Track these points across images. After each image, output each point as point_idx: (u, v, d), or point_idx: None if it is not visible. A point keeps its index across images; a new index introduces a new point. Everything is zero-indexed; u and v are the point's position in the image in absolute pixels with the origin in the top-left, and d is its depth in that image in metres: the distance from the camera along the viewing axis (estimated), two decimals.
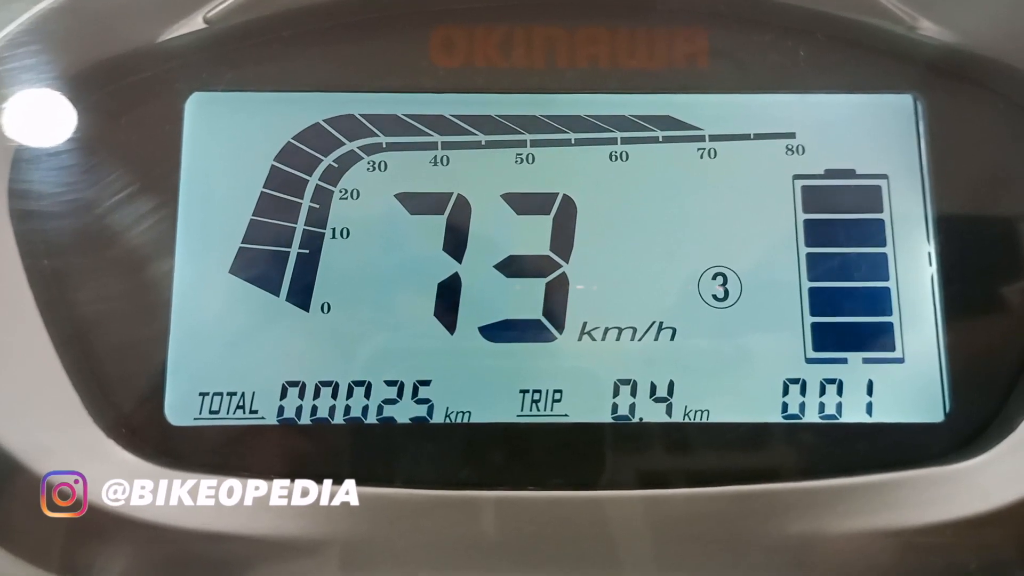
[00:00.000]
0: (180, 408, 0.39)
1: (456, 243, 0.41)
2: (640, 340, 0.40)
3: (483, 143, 0.42)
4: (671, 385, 0.40)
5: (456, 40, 0.42)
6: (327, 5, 0.40)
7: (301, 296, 0.40)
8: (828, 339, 0.40)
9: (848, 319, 0.40)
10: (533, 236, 0.41)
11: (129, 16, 0.39)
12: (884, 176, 0.42)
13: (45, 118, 0.40)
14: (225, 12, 0.39)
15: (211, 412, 0.39)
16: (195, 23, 0.39)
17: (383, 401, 0.40)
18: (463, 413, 0.40)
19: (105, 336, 0.39)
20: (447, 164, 0.41)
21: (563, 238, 0.41)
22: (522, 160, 0.41)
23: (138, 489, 0.37)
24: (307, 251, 0.40)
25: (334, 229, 0.41)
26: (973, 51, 0.41)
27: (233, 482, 0.37)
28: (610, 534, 0.37)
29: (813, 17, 0.41)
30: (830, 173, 0.42)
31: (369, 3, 0.41)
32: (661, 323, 0.40)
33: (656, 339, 0.40)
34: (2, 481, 0.36)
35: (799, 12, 0.41)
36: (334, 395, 0.39)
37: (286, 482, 0.37)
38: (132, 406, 0.39)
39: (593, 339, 0.40)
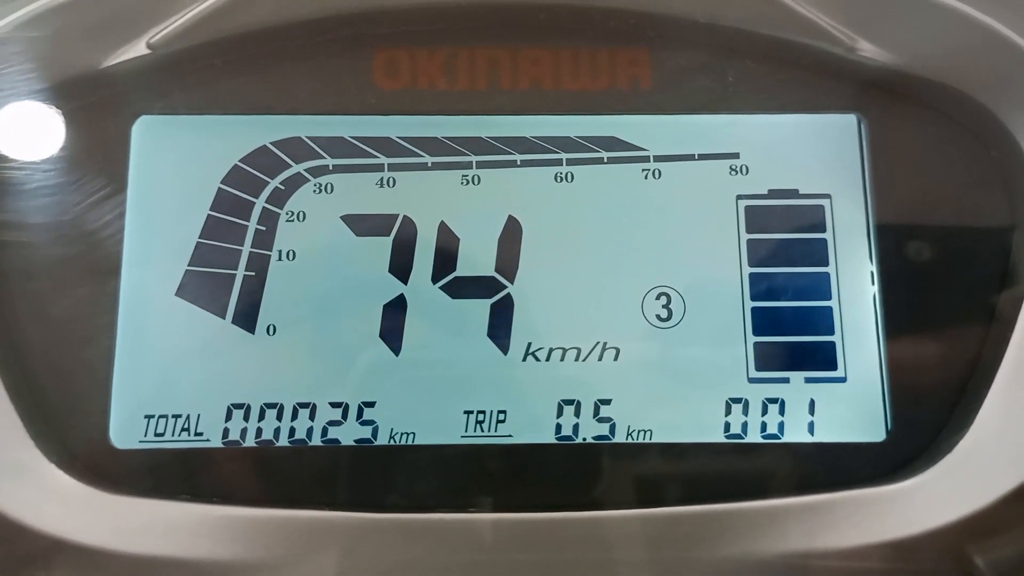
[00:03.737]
0: (125, 431, 0.39)
1: (402, 264, 0.41)
2: (584, 360, 0.40)
3: (429, 165, 0.42)
4: (614, 405, 0.40)
5: (399, 63, 0.42)
6: (270, 29, 0.40)
7: (247, 318, 0.40)
8: (771, 358, 0.40)
9: (791, 338, 0.41)
10: (478, 257, 0.41)
11: (72, 43, 0.39)
12: (827, 196, 0.42)
13: None
14: (168, 38, 0.40)
15: (156, 435, 0.39)
16: (139, 49, 0.40)
17: (328, 423, 0.40)
18: (407, 434, 0.40)
19: (49, 359, 0.39)
20: (393, 186, 0.42)
21: (508, 259, 0.41)
22: (468, 181, 0.42)
23: (80, 513, 0.37)
24: (253, 273, 0.41)
25: (280, 251, 0.41)
26: (912, 71, 0.41)
27: (179, 506, 0.38)
28: (551, 555, 0.37)
29: (754, 39, 0.41)
30: (773, 193, 0.42)
31: (312, 27, 0.41)
32: (605, 343, 0.40)
33: (600, 359, 0.40)
34: None
35: (742, 34, 0.41)
36: (279, 417, 0.40)
37: (232, 506, 0.37)
38: (76, 429, 0.39)
39: (537, 359, 0.40)
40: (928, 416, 0.40)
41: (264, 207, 0.41)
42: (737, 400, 0.40)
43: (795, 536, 0.37)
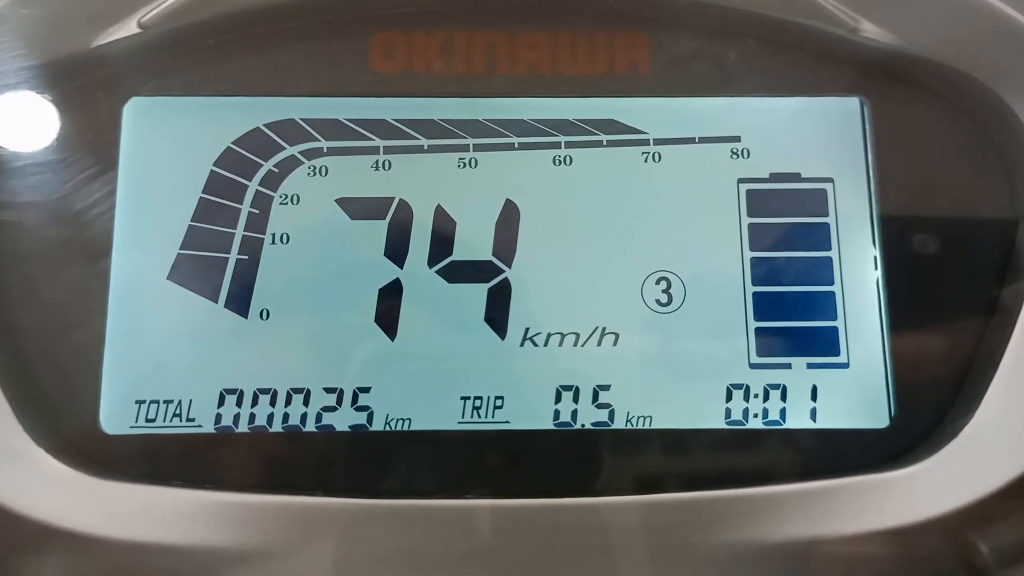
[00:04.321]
0: (116, 416, 0.39)
1: (397, 248, 0.40)
2: (583, 346, 0.40)
3: (425, 147, 0.41)
4: (613, 391, 0.39)
5: (396, 45, 0.42)
6: (265, 9, 0.40)
7: (240, 302, 0.40)
8: (772, 344, 0.40)
9: (792, 324, 0.40)
10: (475, 241, 0.40)
11: (62, 22, 0.39)
12: (829, 180, 0.41)
13: None
14: (160, 17, 0.39)
15: (147, 420, 0.39)
16: (130, 28, 0.39)
17: (322, 408, 0.39)
18: (403, 420, 0.39)
19: (38, 343, 0.38)
20: (389, 169, 0.41)
21: (506, 243, 0.40)
22: (465, 164, 0.41)
23: (71, 499, 0.36)
24: (246, 257, 0.40)
25: (274, 235, 0.40)
26: (916, 54, 0.40)
27: (171, 492, 0.37)
28: (549, 542, 0.36)
29: (755, 20, 0.41)
30: (775, 177, 0.41)
31: (308, 7, 0.40)
32: (604, 328, 0.40)
33: (599, 344, 0.40)
34: None
35: (741, 15, 0.41)
36: (272, 402, 0.39)
37: (224, 492, 0.37)
38: (66, 415, 0.38)
39: (535, 345, 0.40)
40: (931, 402, 0.39)
41: (257, 190, 0.40)
42: (738, 386, 0.39)
43: (797, 523, 0.36)
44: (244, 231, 0.40)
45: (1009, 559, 0.36)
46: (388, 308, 0.40)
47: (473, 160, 0.41)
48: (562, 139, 0.41)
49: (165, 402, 0.39)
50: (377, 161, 0.41)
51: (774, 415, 0.39)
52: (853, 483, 0.37)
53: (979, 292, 0.40)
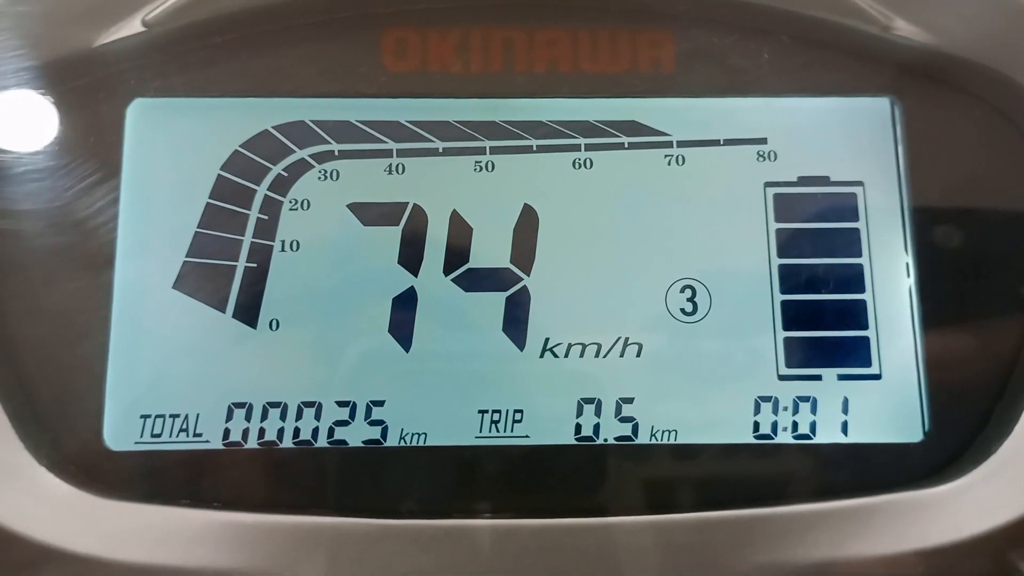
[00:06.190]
0: (120, 432, 0.37)
1: (412, 255, 0.39)
2: (605, 357, 0.38)
3: (440, 150, 0.40)
4: (637, 404, 0.38)
5: (409, 43, 0.40)
6: (273, 6, 0.38)
7: (248, 312, 0.38)
8: (802, 355, 0.39)
9: (822, 333, 0.39)
10: (493, 248, 0.39)
11: (63, 20, 0.37)
12: (860, 183, 0.40)
13: None
14: (165, 15, 0.37)
15: (153, 436, 0.37)
16: (134, 26, 0.38)
17: (334, 423, 0.38)
18: (419, 435, 0.38)
19: (40, 355, 0.37)
20: (402, 172, 0.40)
21: (524, 250, 0.39)
22: (481, 168, 0.40)
23: (73, 520, 0.35)
24: (255, 265, 0.39)
25: (283, 242, 0.39)
26: (950, 52, 0.39)
27: (177, 512, 0.36)
28: (569, 563, 0.35)
29: (784, 18, 0.39)
30: (803, 180, 0.40)
31: (318, 4, 0.39)
32: (627, 339, 0.38)
33: (622, 356, 0.38)
34: None
35: (769, 12, 0.39)
36: (283, 417, 0.38)
37: (233, 511, 0.35)
38: (68, 430, 0.37)
39: (556, 356, 0.38)
40: (968, 415, 0.38)
41: (266, 195, 0.39)
42: (766, 398, 0.38)
43: (829, 543, 0.35)
44: (252, 238, 0.39)
45: None
46: (402, 318, 0.38)
47: (490, 163, 0.40)
48: (582, 141, 0.40)
49: (171, 416, 0.37)
50: (390, 164, 0.39)
51: (804, 429, 0.38)
52: (886, 501, 0.36)
53: (1017, 299, 0.39)
